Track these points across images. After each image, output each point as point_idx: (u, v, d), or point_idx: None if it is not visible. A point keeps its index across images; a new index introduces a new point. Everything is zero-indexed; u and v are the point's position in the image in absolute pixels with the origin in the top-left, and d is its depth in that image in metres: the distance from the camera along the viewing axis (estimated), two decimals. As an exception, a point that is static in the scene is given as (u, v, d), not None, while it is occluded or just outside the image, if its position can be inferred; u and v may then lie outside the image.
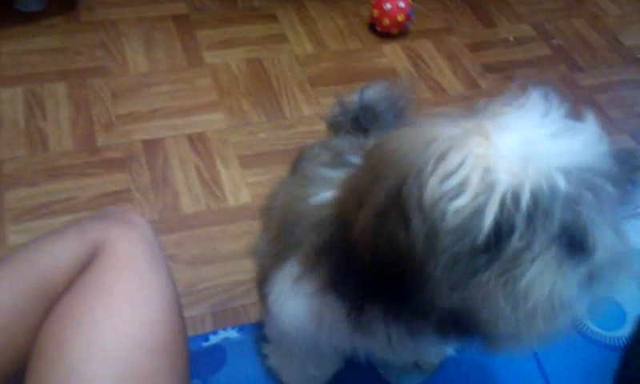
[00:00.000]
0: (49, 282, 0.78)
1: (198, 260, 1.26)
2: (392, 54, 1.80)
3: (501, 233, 0.57)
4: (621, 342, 1.16)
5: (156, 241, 0.88)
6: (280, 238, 0.86)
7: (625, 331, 1.18)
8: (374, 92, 1.08)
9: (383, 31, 1.83)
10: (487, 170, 0.56)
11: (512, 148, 0.58)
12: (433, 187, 0.57)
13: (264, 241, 0.95)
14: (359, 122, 1.05)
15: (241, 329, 1.13)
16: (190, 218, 1.34)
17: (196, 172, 1.43)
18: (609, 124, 1.64)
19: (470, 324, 0.62)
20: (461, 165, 0.57)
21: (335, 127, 1.10)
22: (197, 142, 1.49)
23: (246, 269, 1.24)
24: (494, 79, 1.76)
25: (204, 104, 1.59)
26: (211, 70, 1.69)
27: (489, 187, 0.56)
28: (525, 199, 0.56)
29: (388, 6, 1.78)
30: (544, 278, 0.57)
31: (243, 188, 1.40)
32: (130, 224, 0.85)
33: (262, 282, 0.90)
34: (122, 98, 1.58)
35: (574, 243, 0.58)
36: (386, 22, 1.80)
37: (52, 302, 0.77)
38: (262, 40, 1.80)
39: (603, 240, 0.59)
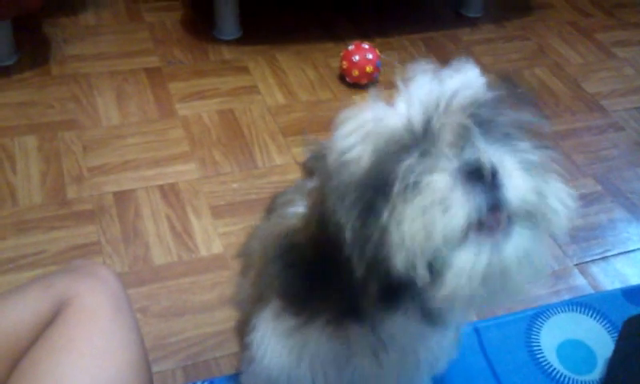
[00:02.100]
0: (13, 337, 0.77)
1: (169, 312, 1.25)
2: (362, 103, 1.83)
3: (394, 174, 0.59)
4: (592, 385, 1.17)
5: (123, 294, 0.87)
6: (260, 280, 0.86)
7: (595, 375, 1.18)
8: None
9: (353, 82, 1.87)
10: (378, 120, 0.62)
11: (402, 100, 0.63)
12: (335, 150, 0.63)
13: (243, 287, 0.94)
14: None
15: (211, 382, 1.11)
16: (161, 269, 1.32)
17: (167, 223, 1.42)
18: (574, 169, 1.69)
19: (392, 280, 0.61)
20: (356, 124, 0.63)
21: (308, 171, 1.11)
22: (168, 192, 1.49)
23: (218, 320, 1.23)
24: (462, 127, 1.80)
25: (176, 155, 1.60)
26: (183, 122, 1.70)
27: (377, 133, 0.61)
28: (412, 138, 0.60)
29: (357, 57, 1.83)
30: (432, 210, 0.57)
31: (215, 238, 1.40)
32: (97, 278, 0.85)
33: (244, 329, 0.89)
34: (94, 150, 1.58)
35: (469, 175, 0.58)
36: (356, 72, 1.84)
37: (17, 357, 0.76)
38: (234, 91, 1.83)
39: (497, 170, 0.58)
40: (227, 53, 1.98)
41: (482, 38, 2.20)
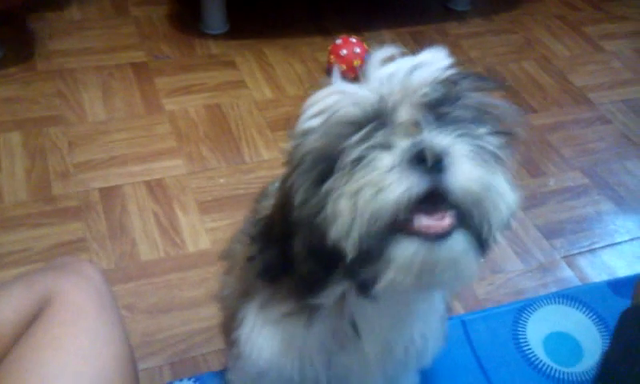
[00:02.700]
0: (-4, 336, 0.76)
1: (156, 309, 1.24)
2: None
3: (342, 148, 0.61)
4: (578, 378, 1.17)
5: (108, 291, 0.86)
6: (245, 275, 0.86)
7: (582, 367, 1.19)
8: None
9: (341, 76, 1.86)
10: (337, 98, 0.65)
11: (362, 79, 0.65)
12: (299, 126, 0.66)
13: (228, 284, 0.94)
14: None
15: (197, 379, 1.11)
16: (148, 265, 1.32)
17: (154, 219, 1.41)
18: (561, 162, 1.69)
19: (326, 251, 0.62)
20: (319, 100, 0.66)
21: None
22: (155, 188, 1.48)
23: (206, 316, 1.23)
24: (449, 121, 1.80)
25: (163, 150, 1.59)
26: (170, 117, 1.69)
27: (334, 110, 0.64)
28: (365, 115, 0.62)
29: (344, 51, 1.82)
30: (368, 188, 0.58)
31: (202, 234, 1.39)
32: (81, 274, 0.84)
33: (230, 326, 0.89)
34: (79, 146, 1.57)
35: (413, 157, 0.58)
36: (343, 67, 1.83)
37: (0, 354, 0.75)
38: (221, 86, 1.82)
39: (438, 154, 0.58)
40: (214, 47, 1.97)
41: (470, 31, 2.20)
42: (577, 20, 2.34)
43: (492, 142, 0.63)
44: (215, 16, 2.01)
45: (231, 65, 1.90)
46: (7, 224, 1.36)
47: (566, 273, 1.40)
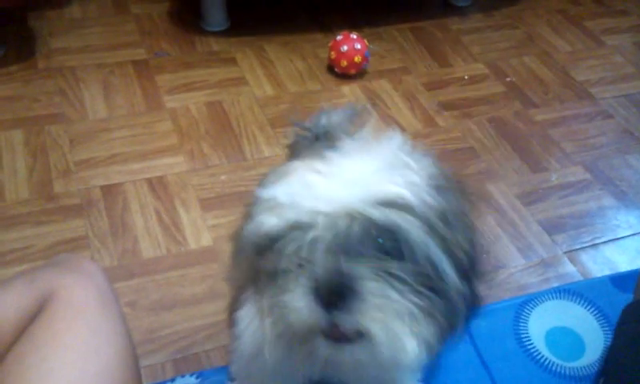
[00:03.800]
0: (-3, 333, 0.76)
1: (158, 306, 1.24)
2: (350, 94, 1.83)
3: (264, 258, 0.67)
4: (580, 373, 1.17)
5: (109, 288, 0.86)
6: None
7: (583, 361, 1.19)
8: (331, 116, 1.09)
9: (341, 72, 1.86)
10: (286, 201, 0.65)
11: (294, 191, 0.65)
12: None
13: (236, 264, 0.95)
14: (318, 145, 1.06)
15: (200, 375, 1.11)
16: (150, 263, 1.32)
17: (156, 216, 1.41)
18: (563, 157, 1.69)
19: None
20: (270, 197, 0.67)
21: (295, 151, 1.11)
22: (157, 186, 1.48)
23: (208, 313, 1.23)
24: (450, 116, 1.80)
25: (164, 148, 1.59)
26: (171, 114, 1.69)
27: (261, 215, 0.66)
28: (285, 226, 0.64)
29: (345, 47, 1.82)
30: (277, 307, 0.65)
31: (204, 231, 1.39)
32: (82, 271, 0.84)
33: (234, 305, 0.89)
34: (81, 144, 1.57)
35: (320, 290, 0.62)
36: (344, 63, 1.83)
37: (1, 352, 0.75)
38: (222, 83, 1.82)
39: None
40: (215, 44, 1.97)
41: (471, 27, 2.20)
42: (578, 15, 2.33)
43: (403, 290, 0.64)
44: (215, 13, 2.01)
45: (232, 62, 1.90)
46: (9, 222, 1.36)
47: (568, 268, 1.40)
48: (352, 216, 0.62)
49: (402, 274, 0.63)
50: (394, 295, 0.63)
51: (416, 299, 0.64)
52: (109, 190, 1.46)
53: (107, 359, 0.77)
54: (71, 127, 1.62)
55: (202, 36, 1.99)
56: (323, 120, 1.08)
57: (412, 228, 0.63)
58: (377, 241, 0.63)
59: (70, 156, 1.53)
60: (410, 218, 0.63)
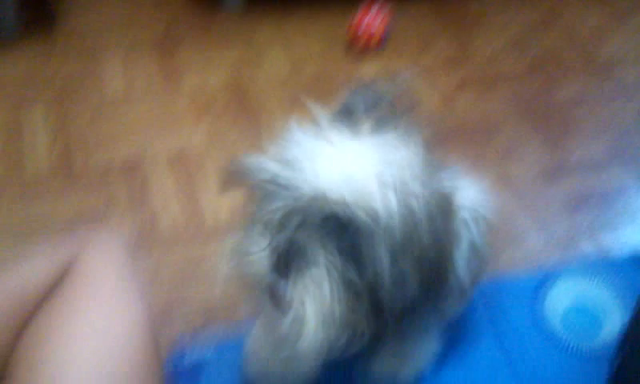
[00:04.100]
0: (21, 301, 0.78)
1: (176, 279, 1.26)
2: (370, 72, 1.82)
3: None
4: (596, 352, 1.16)
5: (129, 261, 0.88)
6: None
7: (600, 341, 1.18)
8: (355, 95, 1.09)
9: (361, 49, 1.85)
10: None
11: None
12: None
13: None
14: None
15: (218, 348, 1.12)
16: (168, 237, 1.33)
17: (174, 191, 1.42)
18: (585, 136, 1.67)
19: None
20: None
21: (348, 111, 1.11)
22: (175, 161, 1.49)
23: (226, 288, 1.24)
24: (470, 94, 1.78)
25: (182, 124, 1.60)
26: (189, 91, 1.69)
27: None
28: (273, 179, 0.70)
29: (365, 24, 1.80)
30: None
31: (222, 206, 1.40)
32: (102, 243, 0.85)
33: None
34: (100, 119, 1.58)
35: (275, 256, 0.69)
36: (364, 40, 1.82)
37: (22, 323, 0.77)
38: (240, 61, 1.81)
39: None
40: (233, 22, 1.96)
41: (493, 2, 2.15)
42: (603, -10, 2.28)
43: (345, 289, 0.70)
44: (234, -10, 2.00)
45: (250, 39, 1.90)
46: (31, 194, 1.38)
47: (587, 247, 1.39)
48: (327, 204, 0.66)
49: (345, 274, 0.68)
50: (326, 289, 0.68)
51: (345, 300, 0.69)
52: (128, 165, 1.47)
53: (126, 329, 0.79)
54: (91, 102, 1.63)
55: (221, 13, 1.99)
56: (356, 96, 1.07)
57: (372, 240, 0.66)
58: (339, 236, 0.67)
59: (90, 131, 1.55)
60: (374, 228, 0.66)
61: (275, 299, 0.71)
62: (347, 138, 0.71)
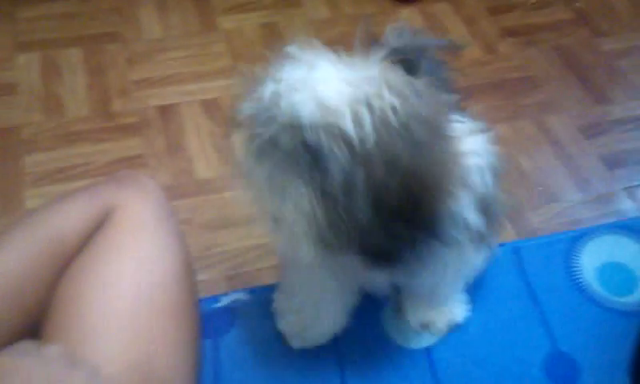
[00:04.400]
0: (61, 243, 0.80)
1: (212, 224, 1.27)
2: (409, 18, 1.77)
3: None
4: (631, 308, 1.15)
5: (167, 204, 0.89)
6: None
7: (635, 297, 1.17)
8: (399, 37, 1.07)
9: (400, -6, 1.80)
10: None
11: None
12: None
13: None
14: None
15: (251, 291, 1.15)
16: (204, 183, 1.35)
17: (210, 137, 1.43)
18: (629, 89, 1.61)
19: None
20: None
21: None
22: (211, 107, 1.50)
23: (260, 234, 1.25)
24: (512, 43, 1.73)
25: (218, 69, 1.59)
26: (225, 35, 1.68)
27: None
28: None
29: (404, -32, 1.75)
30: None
31: (257, 153, 1.40)
32: (142, 187, 0.87)
33: None
34: (137, 63, 1.59)
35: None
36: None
37: (65, 262, 0.79)
38: (277, 4, 1.79)
39: None
40: (270, -36, 1.92)
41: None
42: None
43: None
44: None
45: (287, -18, 1.86)
46: (70, 138, 1.41)
47: (626, 204, 1.36)
48: (298, 130, 0.69)
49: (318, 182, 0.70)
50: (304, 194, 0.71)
51: (323, 204, 0.71)
52: (164, 110, 1.48)
53: (165, 270, 0.81)
54: (128, 46, 1.63)
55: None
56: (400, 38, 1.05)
57: (339, 159, 0.68)
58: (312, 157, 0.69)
59: (127, 75, 1.56)
60: (343, 147, 0.67)
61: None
62: (333, 67, 0.72)
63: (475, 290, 1.13)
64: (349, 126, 0.66)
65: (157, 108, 1.48)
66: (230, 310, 1.12)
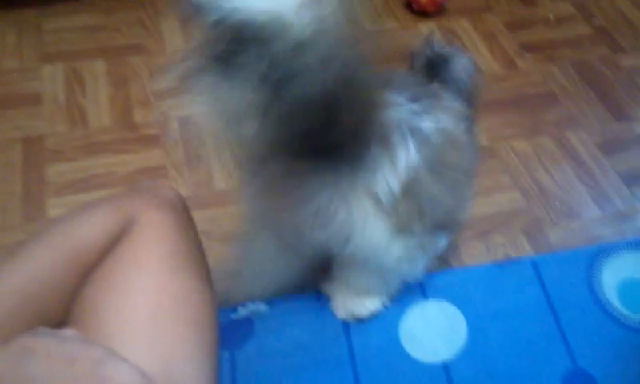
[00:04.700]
0: (83, 253, 0.81)
1: (230, 236, 1.28)
2: (428, 33, 1.78)
3: None
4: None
5: (188, 214, 0.90)
6: None
7: (657, 316, 1.16)
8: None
9: (419, 10, 1.81)
10: None
11: None
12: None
13: None
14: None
15: (269, 302, 1.15)
16: (223, 194, 1.36)
17: (229, 150, 1.44)
18: (650, 107, 1.60)
19: None
20: None
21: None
22: (231, 119, 1.51)
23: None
24: (532, 59, 1.73)
25: (239, 82, 1.60)
26: (246, 49, 1.70)
27: None
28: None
29: (425, -16, 1.76)
30: None
31: (276, 166, 1.41)
32: (163, 198, 0.88)
33: None
34: (159, 76, 1.61)
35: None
36: (423, 0, 1.78)
37: (85, 271, 0.80)
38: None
39: None
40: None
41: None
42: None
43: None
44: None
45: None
46: (93, 149, 1.43)
47: (646, 221, 1.35)
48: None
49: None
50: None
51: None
52: (185, 122, 1.50)
53: (185, 281, 0.81)
54: (150, 58, 1.65)
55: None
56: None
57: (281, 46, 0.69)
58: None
59: (149, 87, 1.58)
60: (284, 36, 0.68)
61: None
62: None
63: (494, 303, 1.12)
64: (293, 14, 0.68)
65: (177, 120, 1.50)
66: (248, 322, 1.13)
